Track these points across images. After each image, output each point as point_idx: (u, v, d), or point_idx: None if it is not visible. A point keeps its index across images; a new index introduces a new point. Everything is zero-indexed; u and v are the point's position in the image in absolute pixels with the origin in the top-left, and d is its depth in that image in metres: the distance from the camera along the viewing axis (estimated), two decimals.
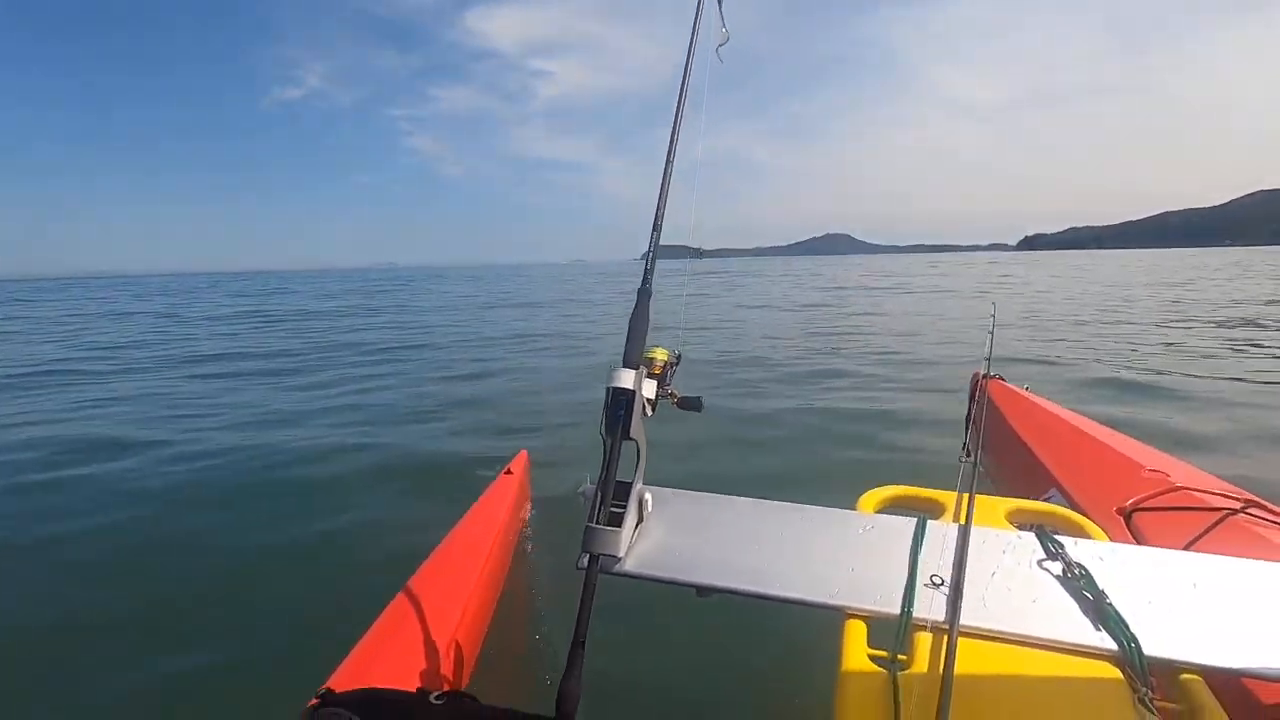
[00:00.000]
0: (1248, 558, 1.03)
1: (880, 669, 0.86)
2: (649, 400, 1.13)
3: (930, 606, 0.94)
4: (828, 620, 0.98)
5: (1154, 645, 0.86)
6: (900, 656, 0.89)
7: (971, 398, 2.89)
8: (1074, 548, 1.05)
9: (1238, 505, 1.56)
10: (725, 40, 1.47)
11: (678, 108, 1.30)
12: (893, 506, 1.30)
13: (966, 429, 2.80)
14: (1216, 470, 1.92)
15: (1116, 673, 0.85)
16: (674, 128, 1.28)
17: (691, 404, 1.18)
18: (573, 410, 4.99)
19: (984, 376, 2.65)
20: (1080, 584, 0.96)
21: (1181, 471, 1.83)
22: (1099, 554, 1.03)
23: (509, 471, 2.37)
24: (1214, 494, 1.63)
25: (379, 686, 1.04)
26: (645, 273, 1.20)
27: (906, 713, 0.77)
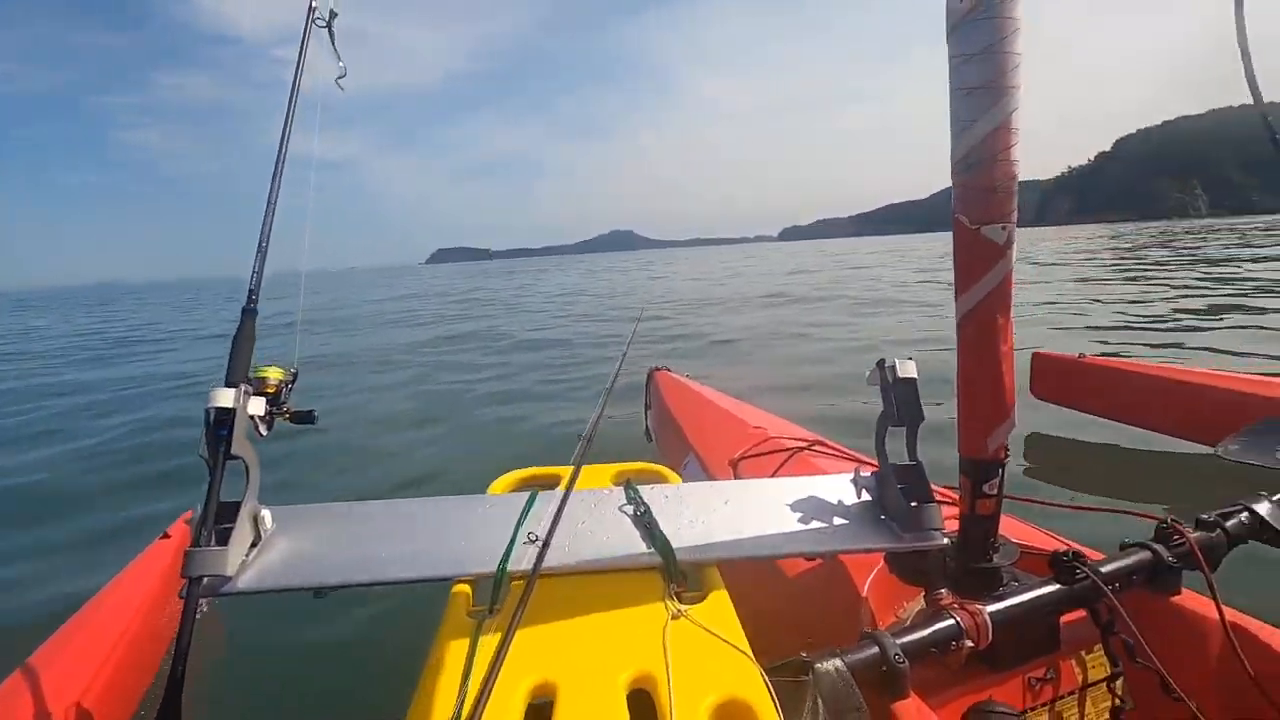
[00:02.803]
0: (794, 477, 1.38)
1: (472, 620, 0.99)
2: (260, 418, 1.14)
3: (525, 560, 1.10)
4: (442, 592, 1.09)
5: (686, 551, 1.12)
6: (496, 607, 1.03)
7: (646, 388, 3.32)
8: (649, 491, 1.30)
9: (806, 444, 2.04)
10: (343, 73, 1.52)
11: (284, 131, 1.33)
12: (523, 486, 1.46)
13: (645, 413, 3.19)
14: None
15: (658, 577, 1.08)
16: (280, 149, 1.31)
17: (304, 418, 1.21)
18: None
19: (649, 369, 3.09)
20: (643, 517, 1.20)
21: (777, 425, 2.32)
22: (665, 494, 1.30)
23: (166, 535, 2.13)
24: (793, 439, 2.10)
25: None
26: (250, 291, 1.21)
27: (481, 653, 0.90)
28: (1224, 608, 1.14)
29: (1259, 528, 1.35)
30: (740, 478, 1.94)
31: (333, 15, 1.49)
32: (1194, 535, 1.26)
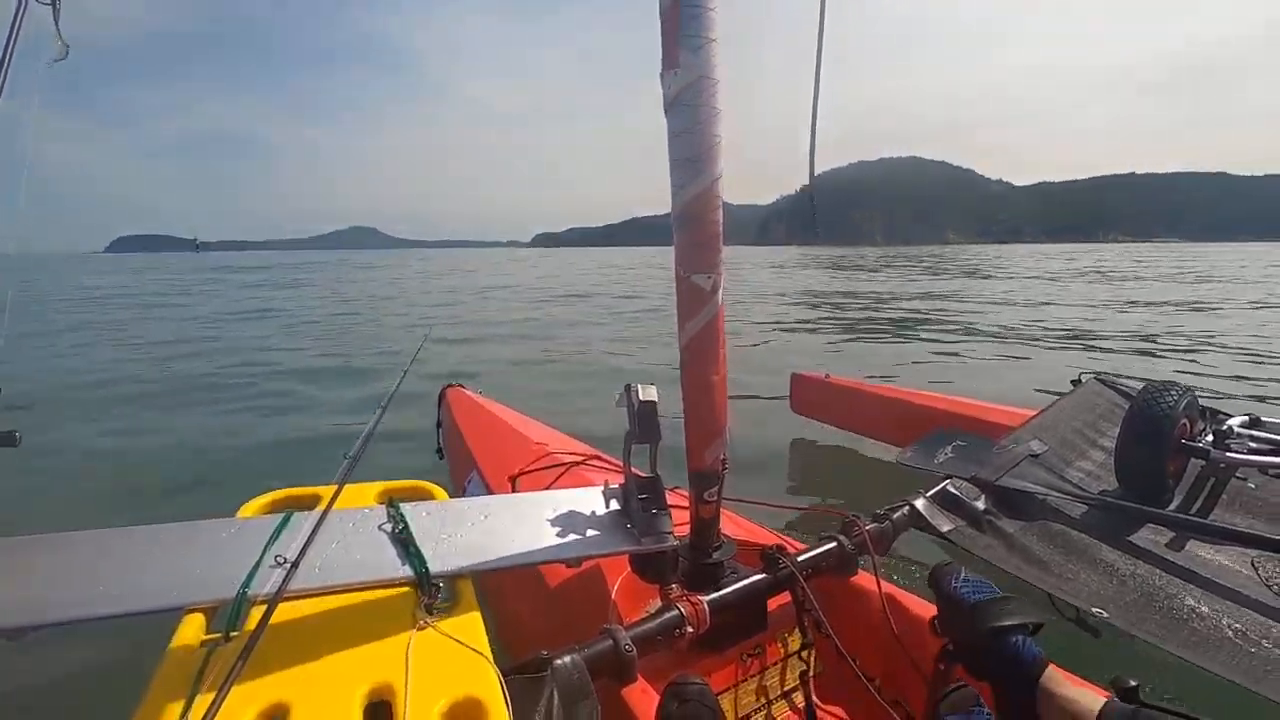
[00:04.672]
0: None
1: (204, 649, 0.96)
2: None
3: (270, 584, 1.08)
4: (171, 623, 1.04)
5: (440, 565, 1.17)
6: (233, 633, 1.00)
7: (439, 405, 3.29)
8: (411, 509, 1.32)
9: (582, 459, 2.17)
10: (64, 55, 1.38)
11: None
12: (279, 508, 1.41)
13: (437, 431, 3.16)
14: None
15: (412, 592, 1.12)
16: None
17: (3, 440, 1.09)
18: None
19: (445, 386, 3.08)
20: (401, 534, 1.23)
21: (558, 441, 2.44)
22: (427, 510, 1.33)
23: None
24: (571, 454, 2.23)
25: None
26: None
27: (210, 679, 0.88)
28: (883, 582, 1.44)
29: (916, 518, 1.71)
30: (518, 493, 2.02)
31: None
32: (868, 527, 1.58)
